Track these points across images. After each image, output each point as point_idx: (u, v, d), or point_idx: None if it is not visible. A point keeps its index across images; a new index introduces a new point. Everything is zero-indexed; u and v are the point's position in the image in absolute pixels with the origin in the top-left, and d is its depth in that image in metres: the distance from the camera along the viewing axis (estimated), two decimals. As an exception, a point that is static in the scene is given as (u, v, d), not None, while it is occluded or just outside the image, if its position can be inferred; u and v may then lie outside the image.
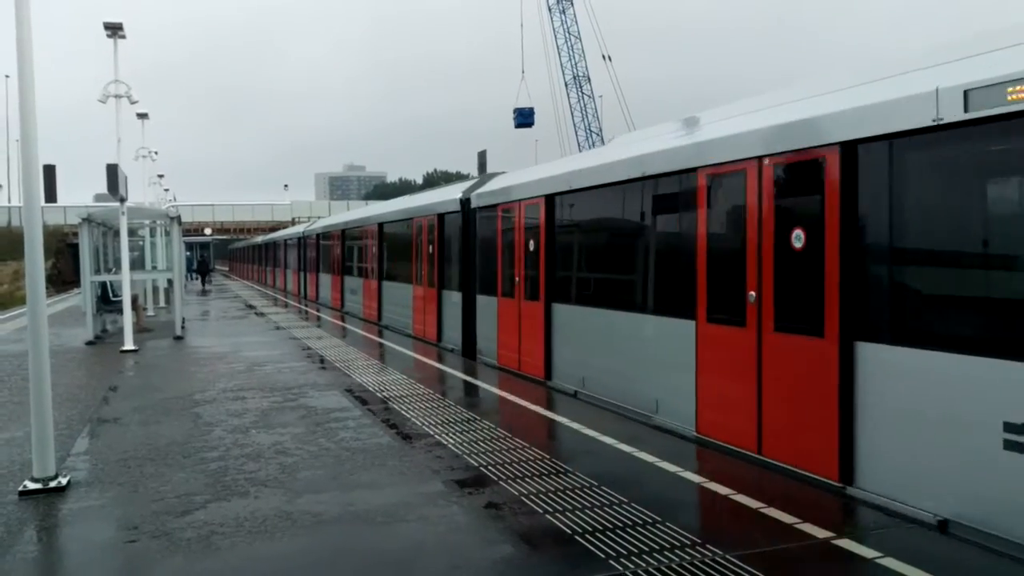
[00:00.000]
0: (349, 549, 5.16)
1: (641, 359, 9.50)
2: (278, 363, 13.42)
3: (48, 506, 6.05)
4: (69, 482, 6.52)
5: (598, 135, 63.83)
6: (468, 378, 11.99)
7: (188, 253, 52.59)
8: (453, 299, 15.88)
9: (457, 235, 15.54)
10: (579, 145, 62.14)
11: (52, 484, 6.40)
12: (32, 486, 6.36)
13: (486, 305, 14.18)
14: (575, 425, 8.44)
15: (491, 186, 14.48)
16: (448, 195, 16.44)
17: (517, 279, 12.73)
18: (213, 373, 12.41)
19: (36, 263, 6.61)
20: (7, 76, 67.85)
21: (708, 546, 4.98)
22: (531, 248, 12.23)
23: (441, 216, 16.40)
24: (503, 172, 15.81)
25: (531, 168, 14.05)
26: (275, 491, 6.28)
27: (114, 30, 15.20)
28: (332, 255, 29.48)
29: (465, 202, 15.13)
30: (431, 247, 16.95)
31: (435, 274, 16.72)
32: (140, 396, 10.53)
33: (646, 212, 9.59)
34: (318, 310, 26.88)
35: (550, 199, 11.73)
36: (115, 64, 15.76)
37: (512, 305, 13.01)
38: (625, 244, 10.46)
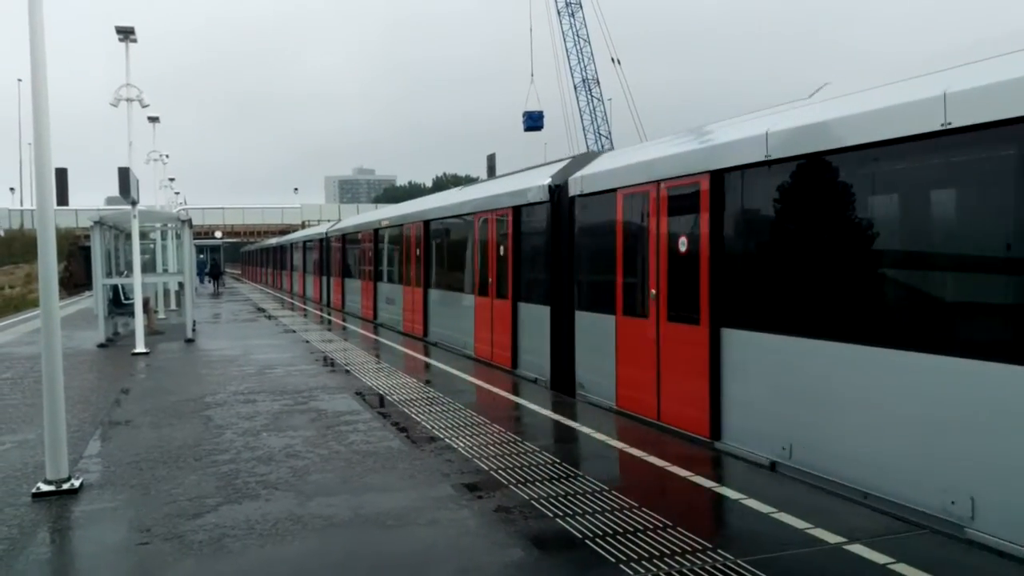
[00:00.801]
0: (359, 552, 5.15)
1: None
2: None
3: (61, 508, 6.07)
4: (82, 484, 6.55)
5: (607, 138, 63.82)
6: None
7: (201, 256, 53.05)
8: (535, 315, 12.34)
9: (543, 232, 12.17)
10: (588, 149, 62.11)
11: (65, 486, 6.43)
12: (45, 488, 6.39)
13: (593, 325, 10.69)
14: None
15: (602, 165, 10.92)
16: (528, 182, 12.87)
17: (653, 291, 9.23)
18: (225, 376, 12.45)
19: (49, 266, 6.64)
20: (20, 80, 68.31)
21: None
22: (682, 249, 8.73)
23: (517, 209, 13.05)
24: (605, 151, 12.86)
25: (664, 140, 10.07)
26: (286, 494, 6.29)
27: (126, 34, 15.28)
28: (362, 258, 25.84)
29: (557, 189, 11.75)
30: (502, 248, 13.60)
31: (508, 282, 13.26)
32: (152, 399, 10.57)
33: None
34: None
35: (720, 177, 8.22)
36: (127, 68, 15.85)
37: (643, 327, 9.45)
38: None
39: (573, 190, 11.27)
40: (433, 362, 13.95)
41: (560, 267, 11.68)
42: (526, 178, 13.39)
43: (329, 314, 26.74)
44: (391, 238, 22.42)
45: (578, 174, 11.21)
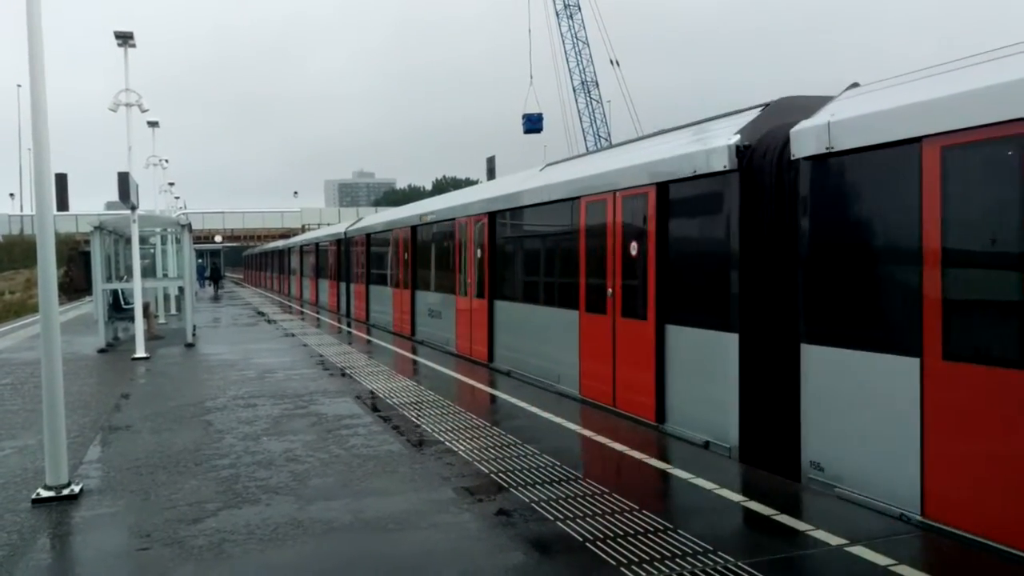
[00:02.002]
0: (360, 557, 5.15)
1: None
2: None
3: (61, 514, 6.06)
4: (82, 490, 6.54)
5: (607, 140, 63.84)
6: None
7: (200, 260, 53.25)
8: (703, 345, 8.37)
9: (720, 217, 8.13)
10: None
11: (65, 492, 6.42)
12: (45, 494, 6.38)
13: (849, 371, 6.53)
14: None
15: (876, 103, 6.49)
16: (683, 145, 8.87)
17: None
18: (225, 380, 12.44)
19: (48, 271, 6.64)
20: (19, 85, 68.34)
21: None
22: None
23: (663, 187, 8.97)
24: (845, 93, 7.25)
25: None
26: (286, 498, 6.28)
27: (125, 39, 15.31)
28: (395, 261, 21.50)
29: (746, 152, 7.81)
30: (633, 246, 9.47)
31: (649, 295, 9.16)
32: (152, 403, 10.56)
33: None
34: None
35: None
36: (126, 73, 15.88)
37: (1003, 384, 5.25)
38: None
39: (804, 147, 6.92)
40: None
41: (755, 272, 7.71)
42: (673, 142, 9.27)
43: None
44: (436, 236, 18.12)
45: (812, 122, 6.90)
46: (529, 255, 13.45)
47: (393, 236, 21.67)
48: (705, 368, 8.37)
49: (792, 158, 7.14)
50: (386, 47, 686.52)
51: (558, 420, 9.05)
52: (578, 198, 10.86)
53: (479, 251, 14.73)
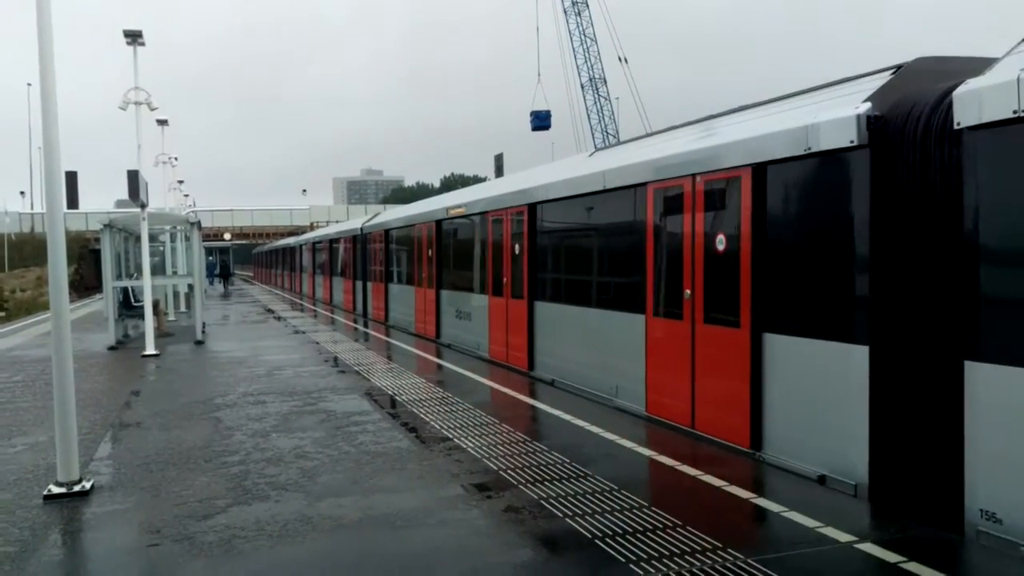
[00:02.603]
0: (369, 553, 5.15)
1: None
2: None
3: (72, 510, 6.10)
4: (93, 486, 6.58)
5: (615, 137, 63.71)
6: None
7: (210, 258, 53.64)
8: (819, 358, 6.94)
9: (839, 203, 6.76)
10: (596, 148, 62.09)
11: (76, 488, 6.46)
12: (56, 490, 6.43)
13: None
14: None
15: None
16: (803, 117, 7.17)
17: None
18: (234, 377, 12.49)
19: (59, 269, 6.67)
20: (29, 84, 68.68)
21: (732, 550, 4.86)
22: None
23: (761, 169, 7.53)
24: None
25: None
26: (295, 495, 6.30)
27: (134, 37, 15.34)
28: (418, 259, 19.84)
29: (878, 123, 6.47)
30: (719, 239, 8.09)
31: (740, 297, 7.76)
32: (162, 400, 10.61)
33: None
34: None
35: None
36: (135, 71, 15.90)
37: None
38: None
39: (975, 113, 5.47)
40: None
41: (890, 271, 6.38)
42: (773, 116, 7.83)
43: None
44: (466, 231, 16.70)
45: (989, 80, 5.44)
46: (579, 251, 11.95)
47: (416, 231, 20.10)
48: (821, 386, 6.89)
49: (955, 127, 5.66)
50: (395, 48, 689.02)
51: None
52: (644, 184, 9.44)
53: (517, 247, 13.38)
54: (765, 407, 7.53)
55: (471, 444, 7.73)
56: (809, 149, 6.95)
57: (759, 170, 7.53)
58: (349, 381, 11.86)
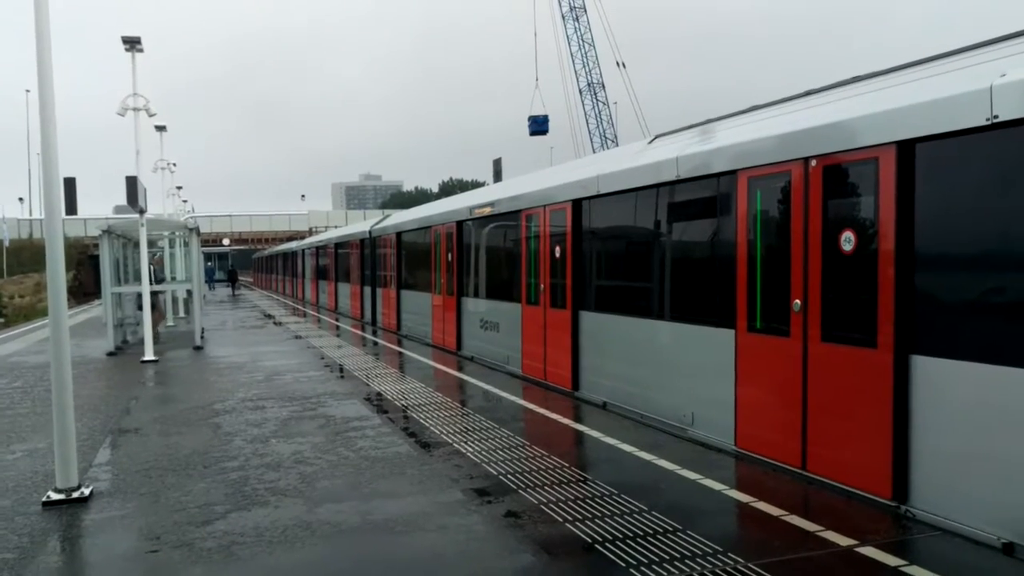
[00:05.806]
0: (369, 559, 5.14)
1: None
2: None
3: (71, 516, 6.08)
4: (91, 492, 6.56)
5: (613, 142, 63.82)
6: None
7: (209, 264, 53.97)
8: (1002, 390, 5.39)
9: None
10: (594, 152, 62.19)
11: (75, 495, 6.44)
12: (55, 497, 6.41)
13: None
14: None
15: None
16: (971, 81, 5.63)
17: None
18: (234, 383, 12.47)
19: (57, 275, 6.66)
20: (28, 91, 68.72)
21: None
22: None
23: (907, 147, 6.09)
24: None
25: None
26: (295, 500, 6.29)
27: (132, 44, 15.36)
28: (435, 263, 18.15)
29: None
30: (853, 239, 6.58)
31: (877, 311, 6.32)
32: (161, 406, 10.59)
33: None
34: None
35: None
36: (133, 77, 15.91)
37: None
38: None
39: None
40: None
41: None
42: (917, 83, 6.37)
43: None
44: (492, 233, 15.17)
45: None
46: (641, 254, 10.33)
47: (433, 234, 18.27)
48: (1004, 425, 5.36)
49: None
50: (393, 56, 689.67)
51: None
52: (734, 172, 7.91)
53: (558, 249, 11.79)
54: (912, 447, 6.02)
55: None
56: (996, 117, 5.34)
57: (904, 148, 6.05)
58: (348, 387, 11.85)
